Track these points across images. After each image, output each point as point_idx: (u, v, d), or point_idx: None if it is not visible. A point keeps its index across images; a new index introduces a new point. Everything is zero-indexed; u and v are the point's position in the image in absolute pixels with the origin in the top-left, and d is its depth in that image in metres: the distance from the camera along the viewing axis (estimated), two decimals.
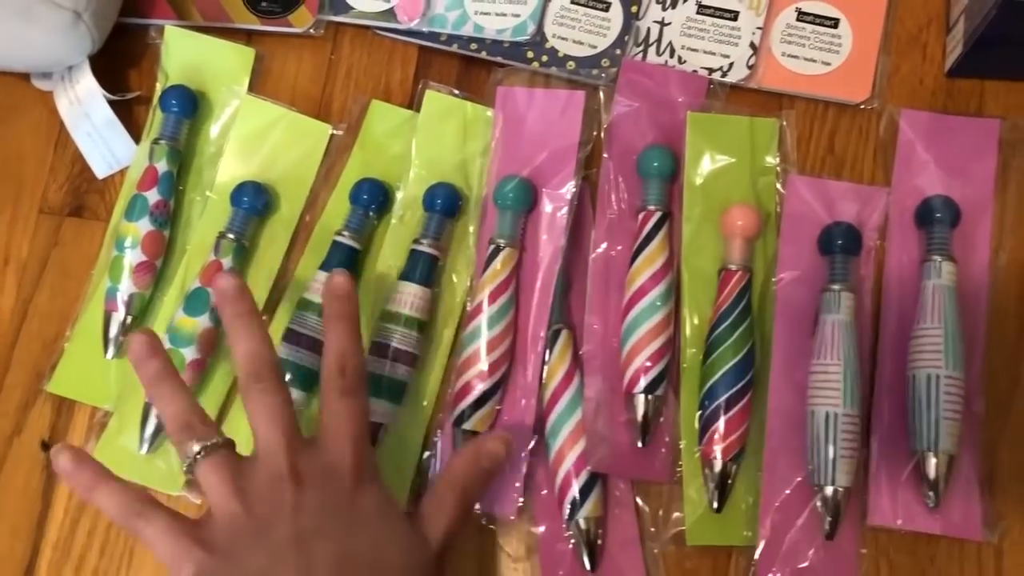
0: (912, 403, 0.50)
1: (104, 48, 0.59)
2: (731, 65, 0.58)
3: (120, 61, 0.62)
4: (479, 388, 0.53)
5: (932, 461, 0.50)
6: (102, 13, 0.57)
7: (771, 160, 0.56)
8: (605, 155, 0.56)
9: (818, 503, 0.50)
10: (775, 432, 0.52)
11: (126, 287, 0.56)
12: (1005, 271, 0.54)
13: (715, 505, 0.51)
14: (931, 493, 0.50)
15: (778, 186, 0.55)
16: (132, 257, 0.56)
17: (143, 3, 0.62)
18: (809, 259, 0.54)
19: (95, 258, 0.59)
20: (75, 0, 0.55)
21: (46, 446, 0.57)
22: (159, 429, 0.54)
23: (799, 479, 0.51)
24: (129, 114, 0.61)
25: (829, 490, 0.50)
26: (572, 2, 0.60)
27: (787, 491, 0.51)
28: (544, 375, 0.54)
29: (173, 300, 0.57)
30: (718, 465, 0.51)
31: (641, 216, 0.54)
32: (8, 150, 0.62)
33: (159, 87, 0.60)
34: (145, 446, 0.54)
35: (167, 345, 0.54)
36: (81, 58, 0.58)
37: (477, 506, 0.53)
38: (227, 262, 0.56)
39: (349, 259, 0.56)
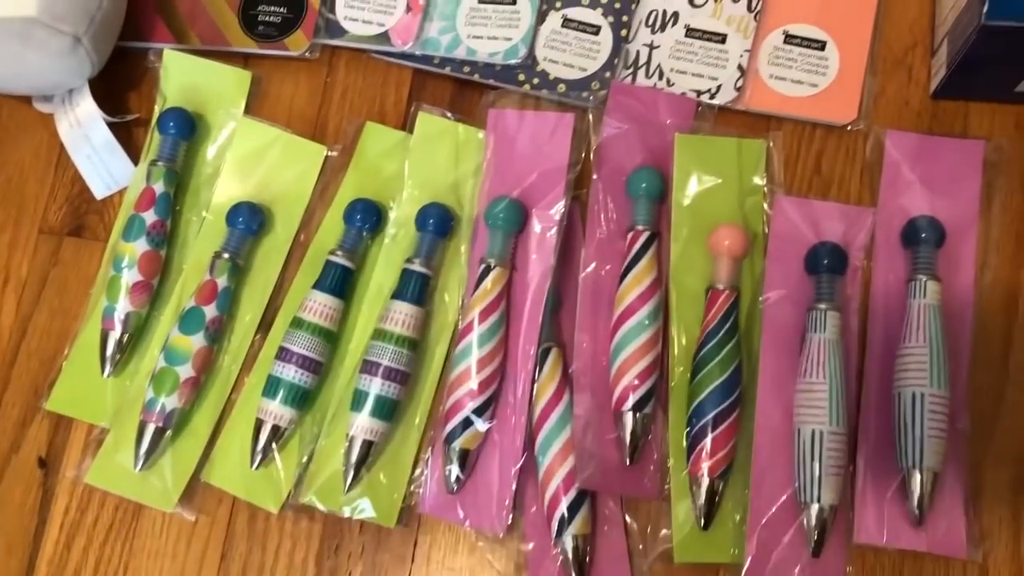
0: (897, 421, 0.51)
1: (104, 71, 0.60)
2: (719, 87, 0.59)
3: (119, 84, 0.63)
4: (470, 406, 0.53)
5: (917, 478, 0.50)
6: (101, 37, 0.59)
7: (758, 181, 0.56)
8: (594, 176, 0.57)
9: (804, 520, 0.51)
10: (762, 450, 0.52)
11: (123, 306, 0.57)
12: (989, 290, 0.55)
13: (702, 522, 0.52)
14: (916, 510, 0.50)
15: (765, 206, 0.56)
16: (129, 277, 0.57)
17: (142, 27, 0.63)
18: (796, 278, 0.55)
19: (93, 277, 0.60)
20: (75, 25, 0.56)
21: (43, 463, 0.58)
22: (154, 447, 0.55)
23: (786, 496, 0.52)
24: (128, 136, 0.62)
25: (815, 508, 0.50)
26: (563, 26, 0.61)
27: (774, 508, 0.52)
28: (534, 393, 0.54)
29: (169, 319, 0.58)
30: (705, 482, 0.51)
31: (630, 236, 0.55)
32: (9, 171, 0.63)
33: (157, 109, 0.61)
34: (140, 463, 0.55)
35: (162, 363, 0.55)
36: (81, 81, 0.59)
37: (467, 522, 0.53)
38: (222, 281, 0.56)
39: (342, 278, 0.56)
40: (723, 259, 0.54)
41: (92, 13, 0.57)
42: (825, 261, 0.54)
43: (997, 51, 0.52)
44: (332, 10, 0.63)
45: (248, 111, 0.62)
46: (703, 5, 0.60)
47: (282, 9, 0.62)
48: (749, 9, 0.60)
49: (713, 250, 0.55)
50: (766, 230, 0.56)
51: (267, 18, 0.62)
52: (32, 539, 0.56)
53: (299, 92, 0.62)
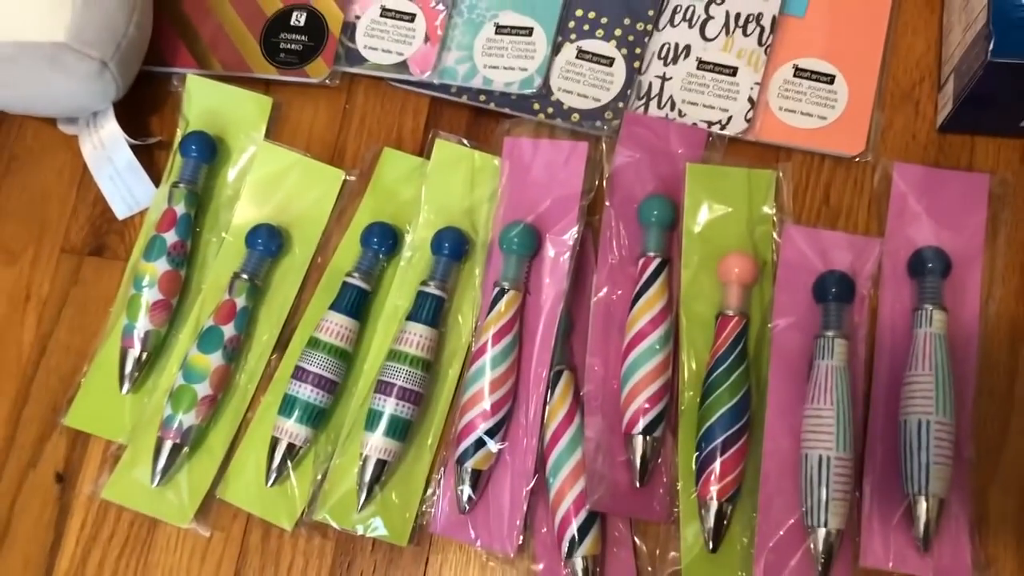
0: (903, 447, 0.52)
1: (128, 95, 0.62)
2: (730, 119, 0.60)
3: (143, 107, 0.65)
4: (482, 427, 0.54)
5: (923, 504, 0.51)
6: (127, 62, 0.60)
7: (768, 210, 0.58)
8: (607, 203, 0.58)
9: (811, 545, 0.51)
10: (770, 474, 0.53)
11: (143, 324, 0.58)
12: (995, 321, 0.56)
13: (711, 545, 0.52)
14: (922, 535, 0.51)
15: (774, 235, 0.57)
16: (149, 296, 0.58)
17: (166, 52, 0.65)
18: (804, 306, 0.56)
19: (113, 296, 0.61)
20: (102, 50, 0.58)
21: (60, 478, 0.58)
22: (171, 463, 0.56)
23: (793, 521, 0.52)
24: (150, 158, 0.63)
25: (822, 532, 0.51)
26: (577, 57, 0.62)
27: (781, 532, 0.52)
28: (545, 415, 0.55)
29: (187, 337, 0.59)
30: (714, 506, 0.52)
31: (641, 262, 0.56)
32: (33, 191, 0.64)
33: (179, 133, 0.63)
34: (156, 479, 0.56)
35: (180, 381, 0.56)
36: (106, 104, 0.61)
37: (478, 542, 0.54)
38: (240, 301, 0.58)
39: (358, 300, 0.57)
40: (733, 286, 0.55)
41: (118, 39, 0.59)
42: (833, 289, 0.55)
43: (1002, 87, 0.54)
44: (352, 39, 0.64)
45: (268, 135, 0.63)
46: (715, 39, 0.62)
47: (303, 37, 0.64)
48: (759, 43, 0.61)
49: (723, 277, 0.56)
50: (775, 258, 0.57)
51: (288, 46, 0.64)
52: (48, 553, 0.57)
53: (319, 118, 0.64)
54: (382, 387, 0.55)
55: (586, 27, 0.63)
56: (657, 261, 0.56)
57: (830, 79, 0.60)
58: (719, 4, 0.62)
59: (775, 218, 0.57)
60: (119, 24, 0.59)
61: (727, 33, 0.62)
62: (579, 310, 0.57)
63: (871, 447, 0.54)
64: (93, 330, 0.61)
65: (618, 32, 0.62)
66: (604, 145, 0.59)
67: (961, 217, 0.57)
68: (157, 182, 0.62)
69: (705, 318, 0.56)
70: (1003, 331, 0.56)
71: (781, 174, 0.58)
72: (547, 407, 0.55)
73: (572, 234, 0.57)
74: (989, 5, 0.53)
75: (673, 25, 0.62)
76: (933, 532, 0.51)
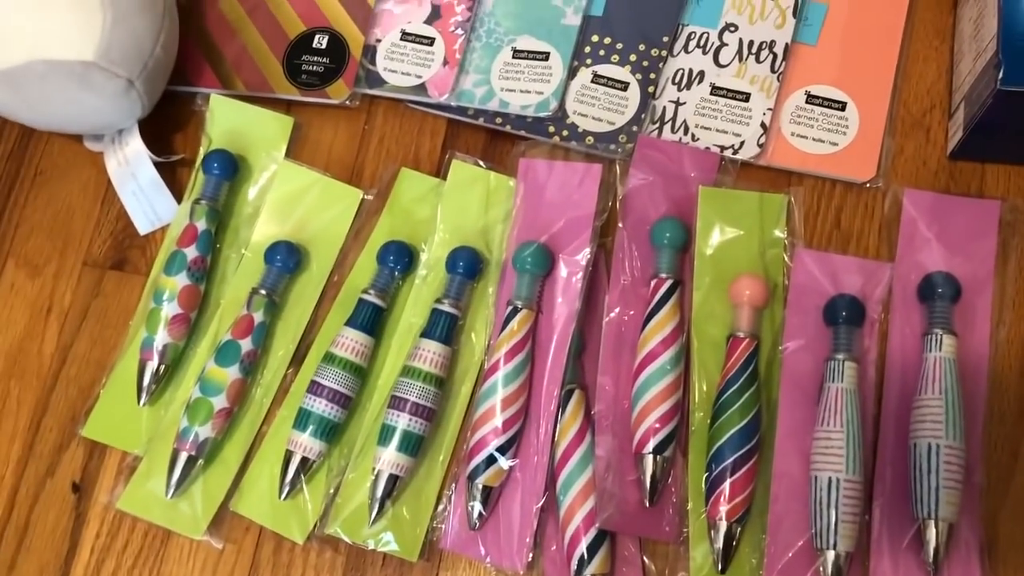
0: (913, 471, 0.52)
1: (153, 113, 0.63)
2: (742, 143, 0.61)
3: (167, 125, 0.66)
4: (493, 444, 0.55)
5: (932, 529, 0.51)
6: (153, 81, 0.62)
7: (779, 234, 0.58)
8: (620, 225, 0.59)
9: (820, 567, 0.51)
10: (779, 495, 0.53)
11: (161, 337, 0.59)
12: (1005, 346, 0.56)
13: (720, 566, 0.52)
14: (931, 559, 0.51)
15: (786, 258, 0.58)
16: (169, 309, 0.59)
17: (191, 72, 0.67)
18: (815, 329, 0.56)
19: (134, 309, 0.62)
20: (129, 69, 0.59)
21: (76, 488, 0.59)
22: (185, 475, 0.57)
23: (802, 543, 0.53)
24: (172, 175, 0.64)
25: (831, 554, 0.51)
26: (592, 81, 0.63)
27: (790, 554, 0.52)
28: (556, 433, 0.56)
29: (205, 351, 0.60)
30: (723, 527, 0.52)
31: (653, 283, 0.57)
32: (58, 205, 0.66)
33: (202, 150, 0.64)
34: (171, 491, 0.57)
35: (197, 394, 0.57)
36: (131, 122, 0.62)
37: (488, 559, 0.54)
38: (258, 316, 0.58)
39: (374, 316, 0.58)
40: (744, 308, 0.56)
41: (145, 59, 0.60)
42: (843, 313, 0.55)
43: (1012, 115, 0.54)
44: (373, 61, 0.66)
45: (289, 154, 0.64)
46: (728, 65, 0.63)
47: (325, 59, 0.65)
48: (772, 70, 0.62)
49: (734, 299, 0.56)
50: (786, 282, 0.57)
51: (310, 67, 0.65)
52: (63, 562, 0.58)
53: (338, 138, 0.65)
54: (395, 402, 0.56)
55: (601, 52, 0.64)
56: (669, 282, 0.56)
57: (841, 106, 0.61)
58: (732, 32, 0.63)
59: (787, 242, 0.58)
60: (146, 44, 0.60)
61: (740, 60, 0.63)
62: (591, 329, 0.58)
63: (880, 470, 0.54)
64: (113, 343, 0.62)
65: (633, 57, 0.63)
66: (618, 167, 0.60)
67: (971, 243, 0.57)
68: (179, 198, 0.64)
69: (716, 339, 0.56)
70: (1013, 356, 0.56)
71: (792, 198, 0.59)
72: (558, 425, 0.56)
73: (585, 254, 0.58)
74: (999, 34, 0.54)
75: (687, 52, 0.63)
76: (943, 556, 0.51)
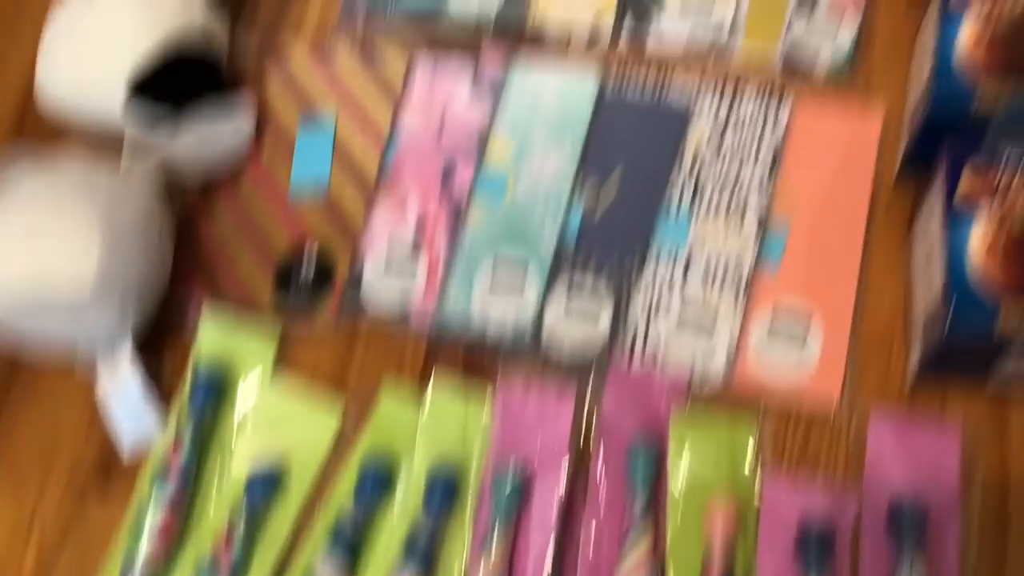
0: None
1: (144, 333, 0.65)
2: (710, 372, 0.63)
3: (157, 351, 0.68)
4: None
5: None
6: (144, 302, 0.65)
7: (749, 459, 0.60)
8: (594, 448, 0.61)
9: None
10: None
11: (142, 560, 0.60)
12: (975, 570, 0.57)
13: None
14: None
15: (756, 485, 0.59)
16: (150, 532, 0.60)
17: (182, 299, 0.69)
18: (785, 558, 0.57)
19: (115, 534, 0.62)
20: (123, 296, 0.62)
21: None
22: None
23: None
24: (161, 395, 0.66)
25: None
26: (566, 312, 0.66)
27: None
28: None
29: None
30: None
31: (628, 508, 0.58)
32: (44, 424, 0.67)
33: (189, 372, 0.66)
34: None
35: None
36: (122, 342, 0.64)
37: None
38: (236, 541, 0.59)
39: (352, 540, 0.59)
40: (716, 537, 0.57)
41: (140, 285, 0.64)
42: (814, 542, 0.56)
43: (965, 355, 0.57)
44: (358, 286, 0.69)
45: (274, 374, 0.66)
46: (695, 293, 0.66)
47: (311, 289, 0.69)
48: (735, 298, 0.65)
49: (706, 530, 0.57)
50: (758, 506, 0.59)
51: (297, 299, 0.69)
52: None
53: (322, 356, 0.67)
54: None
55: (579, 267, 0.67)
56: (642, 508, 0.58)
57: (804, 339, 0.64)
58: (696, 265, 0.67)
59: (756, 468, 0.60)
60: (140, 269, 0.64)
61: (708, 285, 0.66)
62: (568, 548, 0.59)
63: None
64: (93, 566, 0.62)
65: (607, 276, 0.67)
66: (590, 391, 0.63)
67: (936, 466, 0.59)
68: (165, 418, 0.65)
69: (691, 565, 0.57)
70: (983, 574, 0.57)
71: (761, 427, 0.61)
72: None
73: (561, 476, 0.59)
74: (946, 274, 0.57)
75: (653, 278, 0.67)
76: None
